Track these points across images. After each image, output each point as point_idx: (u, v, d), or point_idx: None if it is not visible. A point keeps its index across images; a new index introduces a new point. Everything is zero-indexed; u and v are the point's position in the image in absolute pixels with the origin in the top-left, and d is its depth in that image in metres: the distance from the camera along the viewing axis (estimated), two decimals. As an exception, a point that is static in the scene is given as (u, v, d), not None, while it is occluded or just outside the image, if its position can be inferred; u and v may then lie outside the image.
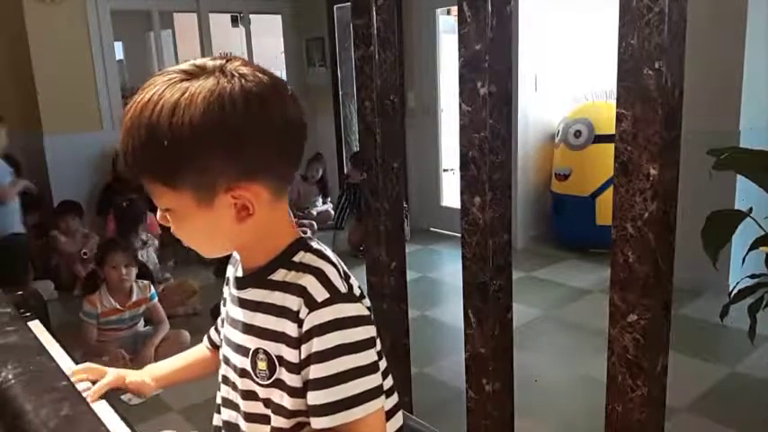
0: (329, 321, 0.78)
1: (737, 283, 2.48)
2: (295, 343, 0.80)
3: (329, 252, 0.87)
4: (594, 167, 4.19)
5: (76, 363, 1.10)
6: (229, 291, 0.93)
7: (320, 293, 0.79)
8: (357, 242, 4.37)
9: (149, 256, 3.81)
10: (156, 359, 3.00)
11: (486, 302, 1.69)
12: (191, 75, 0.76)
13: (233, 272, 0.93)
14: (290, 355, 0.80)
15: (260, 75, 0.78)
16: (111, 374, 1.04)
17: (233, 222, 0.80)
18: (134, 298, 3.05)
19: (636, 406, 1.35)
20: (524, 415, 1.98)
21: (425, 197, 5.33)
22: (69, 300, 3.76)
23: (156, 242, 4.00)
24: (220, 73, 0.76)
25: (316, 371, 0.78)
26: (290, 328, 0.80)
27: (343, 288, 0.81)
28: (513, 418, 1.82)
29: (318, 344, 0.78)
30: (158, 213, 0.83)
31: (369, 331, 0.81)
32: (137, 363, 2.93)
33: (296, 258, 0.84)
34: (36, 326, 1.20)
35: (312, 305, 0.79)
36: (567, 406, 2.58)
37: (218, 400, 0.96)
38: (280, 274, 0.84)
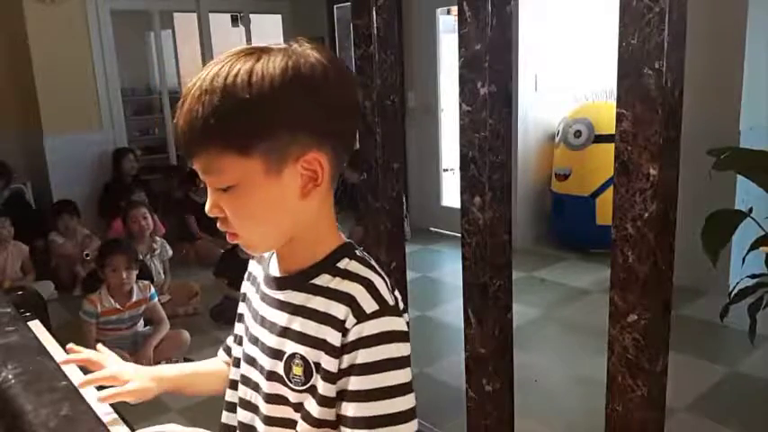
0: (377, 334, 0.76)
1: (737, 283, 2.48)
2: (337, 352, 0.77)
3: (373, 261, 0.85)
4: (594, 167, 4.19)
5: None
6: (257, 288, 0.90)
7: (370, 305, 0.77)
8: (356, 242, 4.36)
9: (154, 266, 3.80)
10: (156, 359, 3.01)
11: (486, 302, 1.69)
12: (258, 50, 0.76)
13: (260, 269, 0.91)
14: (329, 363, 0.78)
15: (327, 52, 0.79)
16: (111, 369, 1.01)
17: (296, 199, 0.78)
18: (134, 298, 3.04)
19: (636, 406, 1.35)
20: (524, 415, 1.98)
21: (425, 197, 5.33)
22: (69, 300, 3.76)
23: (170, 251, 3.93)
24: (288, 48, 0.76)
25: (357, 382, 0.76)
26: (333, 337, 0.77)
27: (391, 301, 0.79)
28: (513, 418, 1.82)
29: (364, 356, 0.76)
30: (209, 202, 0.79)
31: (408, 349, 0.79)
32: (136, 362, 2.93)
33: (341, 264, 0.82)
34: (36, 326, 1.20)
35: (361, 316, 0.76)
36: (567, 406, 2.58)
37: (234, 400, 0.92)
38: (323, 280, 0.81)
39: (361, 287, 0.79)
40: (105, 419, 0.88)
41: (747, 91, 3.29)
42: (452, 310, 3.31)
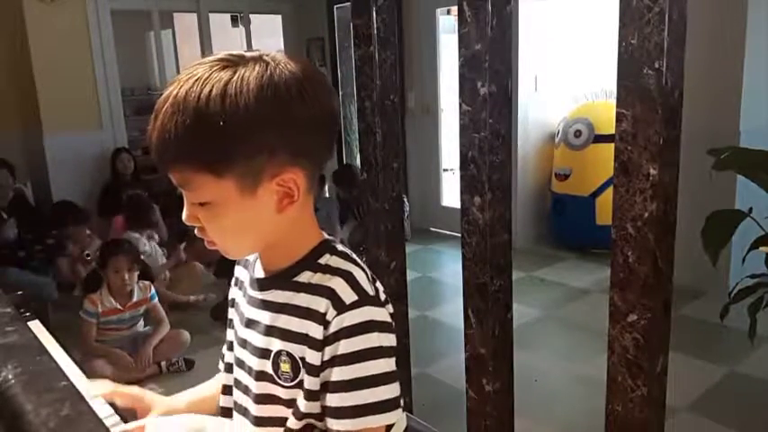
0: (357, 324, 0.77)
1: (737, 283, 2.48)
2: (319, 345, 0.78)
3: (355, 255, 0.85)
4: (594, 167, 4.19)
5: (76, 363, 1.10)
6: (244, 293, 0.91)
7: (349, 296, 0.78)
8: (357, 242, 4.37)
9: (154, 249, 3.83)
10: (156, 359, 3.01)
11: (486, 302, 1.69)
12: (232, 63, 0.75)
13: (246, 273, 0.91)
14: (313, 357, 0.79)
15: (302, 63, 0.78)
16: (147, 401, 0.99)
17: (272, 213, 0.79)
18: (134, 299, 3.04)
19: (636, 406, 1.35)
20: (524, 415, 1.98)
21: (425, 197, 5.33)
22: (69, 300, 3.75)
23: (157, 237, 4.06)
24: (263, 61, 0.75)
25: (340, 373, 0.77)
26: (315, 330, 0.78)
27: (371, 291, 0.80)
28: (513, 418, 1.82)
29: (345, 346, 0.76)
30: (185, 212, 0.80)
31: (391, 339, 0.80)
32: (136, 362, 2.93)
33: (322, 260, 0.83)
34: (36, 326, 1.20)
35: (340, 307, 0.77)
36: (567, 406, 2.58)
37: (229, 405, 0.93)
38: (305, 276, 0.82)
39: (341, 280, 0.80)
40: (105, 420, 0.88)
41: (747, 91, 3.29)
42: (452, 310, 3.31)
